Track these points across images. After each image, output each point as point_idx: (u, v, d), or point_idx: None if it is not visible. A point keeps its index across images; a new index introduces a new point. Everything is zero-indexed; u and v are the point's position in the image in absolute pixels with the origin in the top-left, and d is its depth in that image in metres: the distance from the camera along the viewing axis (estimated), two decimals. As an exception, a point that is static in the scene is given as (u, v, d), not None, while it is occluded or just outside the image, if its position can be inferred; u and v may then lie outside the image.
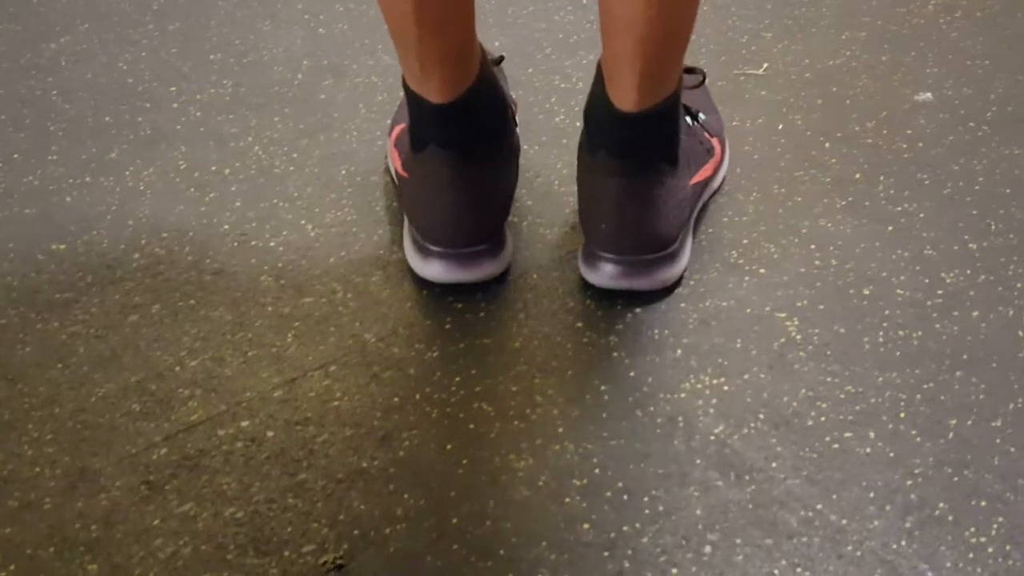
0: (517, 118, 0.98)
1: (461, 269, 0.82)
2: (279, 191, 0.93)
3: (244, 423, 0.74)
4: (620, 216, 0.81)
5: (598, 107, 0.82)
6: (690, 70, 0.96)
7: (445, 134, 0.81)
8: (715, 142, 0.91)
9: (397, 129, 0.91)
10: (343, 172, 0.95)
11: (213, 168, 0.96)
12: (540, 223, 0.90)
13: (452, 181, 0.81)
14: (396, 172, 0.88)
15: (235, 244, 0.88)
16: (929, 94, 1.03)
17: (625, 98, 0.80)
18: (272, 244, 0.88)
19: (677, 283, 0.84)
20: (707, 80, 1.05)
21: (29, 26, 1.14)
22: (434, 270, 0.82)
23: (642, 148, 0.81)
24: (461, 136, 0.81)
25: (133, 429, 0.73)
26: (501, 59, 0.93)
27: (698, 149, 0.88)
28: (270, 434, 0.73)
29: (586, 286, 0.84)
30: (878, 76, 1.05)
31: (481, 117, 0.82)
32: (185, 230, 0.89)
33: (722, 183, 0.93)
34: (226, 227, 0.90)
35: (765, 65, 1.07)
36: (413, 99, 0.82)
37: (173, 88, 1.05)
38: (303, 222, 0.90)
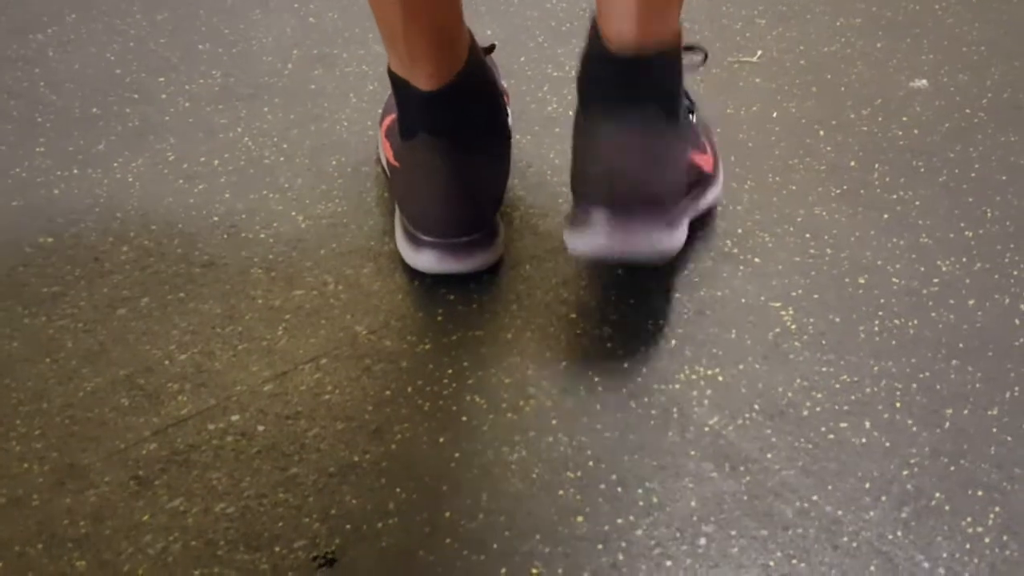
0: (509, 108, 0.97)
1: (453, 259, 0.81)
2: (269, 182, 0.92)
3: (234, 417, 0.73)
4: (615, 166, 0.74)
5: (594, 58, 0.77)
6: (690, 47, 0.95)
7: (434, 121, 0.80)
8: (710, 151, 0.88)
9: (388, 119, 0.90)
10: (333, 162, 0.94)
11: (202, 159, 0.95)
12: (533, 213, 0.89)
13: (443, 169, 0.80)
14: (387, 162, 0.87)
15: (225, 236, 0.87)
16: (924, 81, 1.02)
17: (623, 32, 0.75)
18: (262, 236, 0.87)
19: (671, 269, 0.83)
20: (702, 67, 1.04)
21: (15, 17, 1.13)
22: (426, 260, 0.82)
23: (640, 96, 0.75)
24: (451, 123, 0.80)
25: (122, 424, 0.72)
26: (492, 48, 0.92)
27: (697, 134, 0.86)
28: (260, 428, 0.72)
29: (579, 276, 0.83)
30: (873, 63, 1.04)
31: (471, 104, 0.81)
32: (174, 222, 0.88)
33: (716, 202, 0.89)
34: (216, 219, 0.89)
35: (759, 52, 1.07)
36: (401, 86, 0.81)
37: (162, 79, 1.04)
38: (293, 213, 0.89)
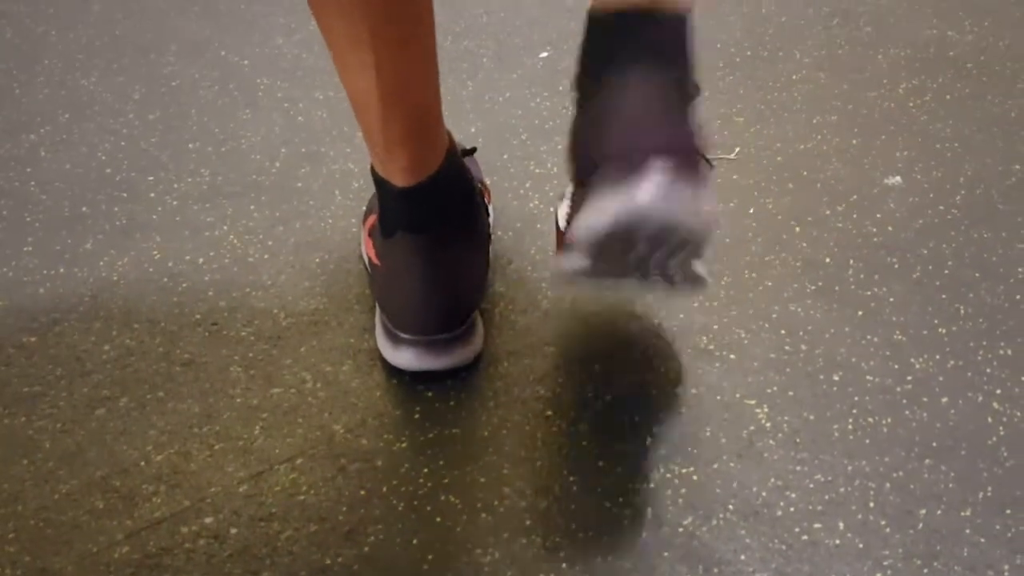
0: (491, 206, 0.99)
1: (432, 356, 0.82)
2: (252, 280, 0.94)
3: (208, 519, 0.73)
4: (647, 121, 0.65)
5: (600, 19, 0.71)
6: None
7: (412, 218, 0.81)
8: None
9: (371, 218, 0.91)
10: (317, 260, 0.96)
11: (187, 258, 0.96)
12: (512, 309, 0.91)
13: (420, 266, 0.81)
14: (369, 260, 0.89)
15: (206, 334, 0.88)
16: (899, 178, 1.04)
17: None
18: (243, 333, 0.88)
19: (647, 365, 0.84)
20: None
21: (10, 116, 1.15)
22: (405, 358, 0.82)
23: (656, 56, 0.68)
24: (429, 220, 0.81)
25: (95, 527, 0.72)
26: (473, 150, 0.94)
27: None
28: (233, 531, 0.72)
29: (556, 373, 0.84)
30: (848, 160, 1.07)
31: (449, 200, 0.83)
32: (157, 320, 0.89)
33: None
34: (198, 316, 0.90)
35: (737, 149, 1.09)
36: (380, 184, 0.82)
37: (151, 177, 1.06)
38: (275, 311, 0.91)
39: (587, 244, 0.65)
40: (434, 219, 0.82)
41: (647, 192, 0.61)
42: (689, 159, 0.64)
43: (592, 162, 0.66)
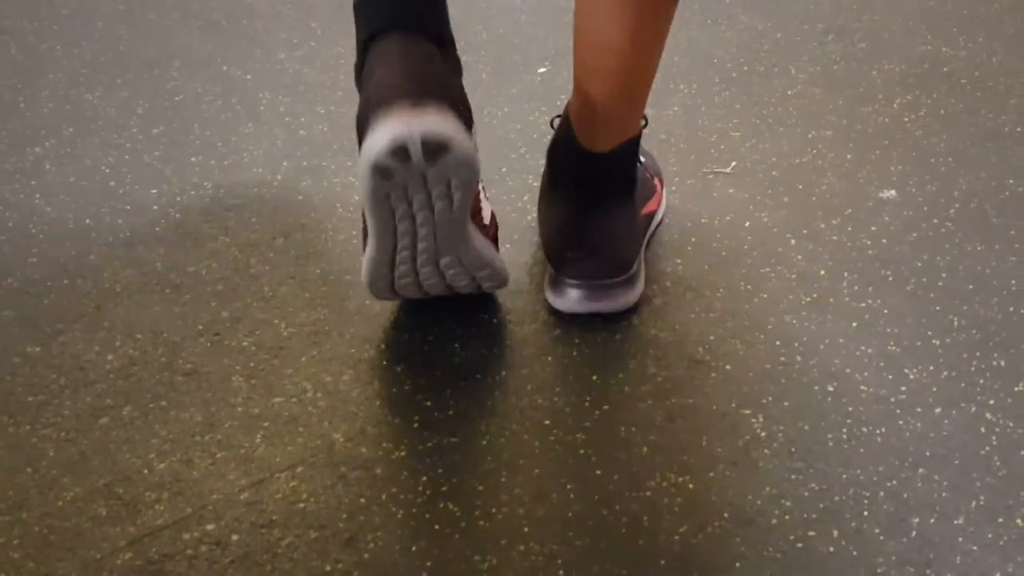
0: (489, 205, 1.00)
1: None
2: (254, 291, 0.95)
3: (209, 526, 0.74)
4: (585, 244, 0.90)
5: (566, 148, 0.92)
6: None
7: (395, 15, 0.80)
8: (655, 181, 1.01)
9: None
10: (318, 271, 0.97)
11: (190, 269, 0.97)
12: (510, 320, 0.92)
13: (400, 52, 0.79)
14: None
15: (208, 344, 0.89)
16: (893, 191, 1.05)
17: (596, 140, 0.90)
18: (245, 343, 0.89)
19: (644, 376, 0.85)
20: (677, 177, 1.08)
21: (15, 130, 1.17)
22: (387, 131, 0.81)
23: (604, 183, 0.91)
24: (408, 15, 0.81)
25: (99, 534, 0.73)
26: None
27: (646, 183, 0.98)
28: (235, 537, 0.73)
29: (554, 383, 0.85)
30: (843, 174, 1.08)
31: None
32: (159, 331, 0.90)
33: (663, 218, 1.02)
34: (200, 327, 0.91)
35: (733, 163, 1.10)
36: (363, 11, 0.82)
37: (154, 190, 1.07)
38: (276, 321, 0.92)
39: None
40: (402, 14, 0.82)
41: (572, 299, 0.90)
42: (616, 273, 0.90)
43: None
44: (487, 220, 0.92)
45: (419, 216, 0.81)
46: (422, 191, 0.79)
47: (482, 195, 0.93)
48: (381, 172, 0.77)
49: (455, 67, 0.84)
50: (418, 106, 0.76)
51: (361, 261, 0.89)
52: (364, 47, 0.82)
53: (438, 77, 0.79)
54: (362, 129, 0.78)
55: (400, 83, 0.77)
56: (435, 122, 0.76)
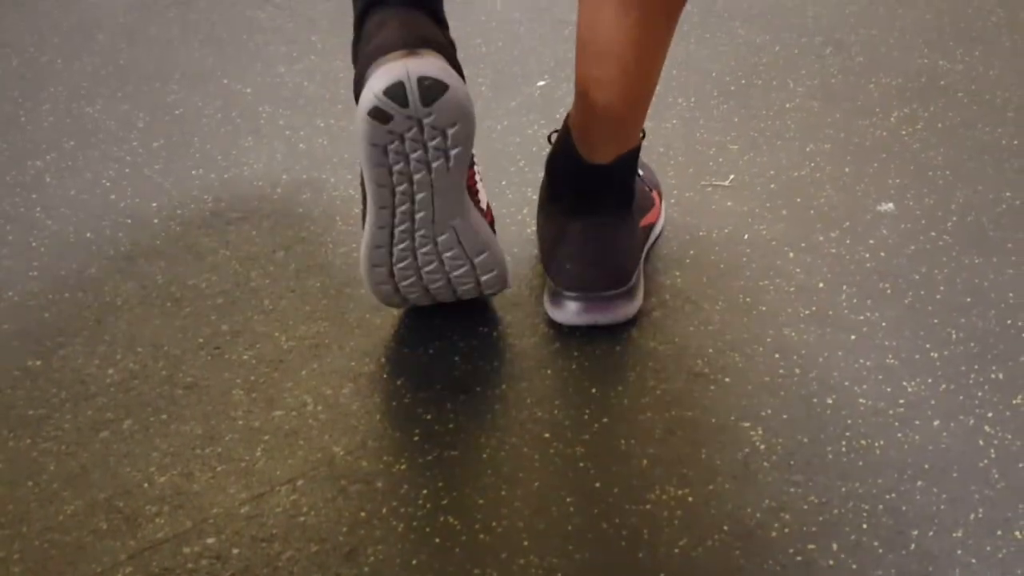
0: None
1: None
2: (254, 304, 0.95)
3: (210, 540, 0.74)
4: (585, 256, 0.90)
5: (565, 159, 0.92)
6: None
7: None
8: (654, 194, 1.01)
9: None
10: (318, 284, 0.97)
11: (190, 282, 0.98)
12: (510, 333, 0.92)
13: (396, 19, 0.80)
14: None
15: (209, 358, 0.89)
16: (891, 204, 1.06)
17: (596, 151, 0.90)
18: (245, 357, 0.89)
19: (643, 388, 0.85)
20: (676, 190, 1.08)
21: (16, 143, 1.17)
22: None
23: (604, 194, 0.91)
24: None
25: (99, 548, 0.73)
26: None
27: (645, 196, 0.99)
28: (235, 551, 0.73)
29: (553, 395, 0.85)
30: (841, 187, 1.08)
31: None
32: (160, 344, 0.91)
33: (662, 230, 1.02)
34: (200, 340, 0.91)
35: (731, 176, 1.11)
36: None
37: (155, 204, 1.08)
38: (276, 334, 0.92)
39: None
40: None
41: (571, 311, 0.90)
42: (615, 285, 0.90)
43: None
44: (484, 205, 0.92)
45: (417, 176, 0.81)
46: (419, 145, 0.79)
47: (477, 176, 0.92)
48: (379, 115, 0.77)
49: (448, 40, 0.84)
50: (413, 52, 0.77)
51: (360, 250, 0.88)
52: (360, 20, 0.82)
53: (432, 35, 0.79)
54: (359, 85, 0.79)
55: (395, 36, 0.78)
56: (432, 64, 0.77)
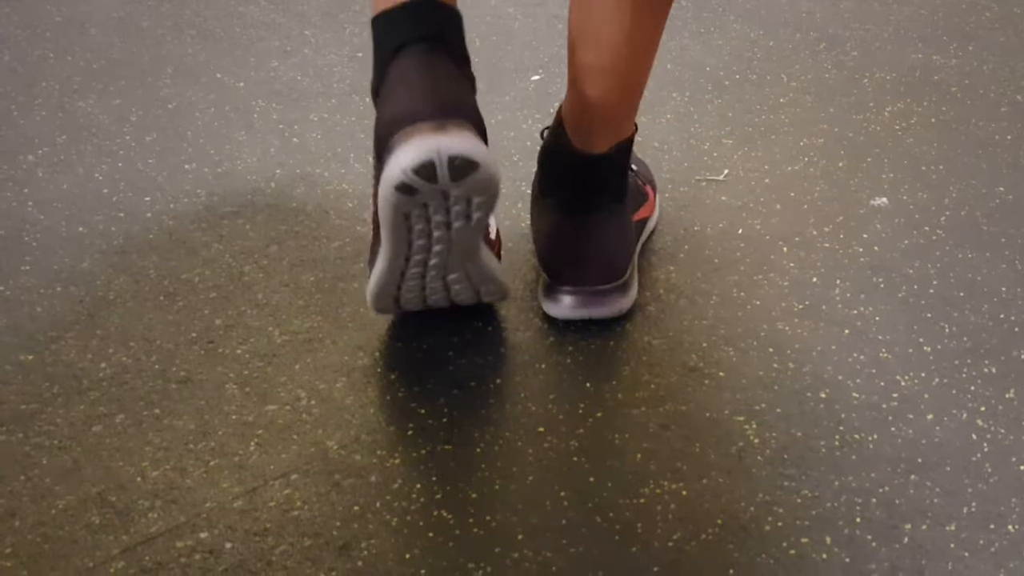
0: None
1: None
2: (247, 298, 0.95)
3: (203, 534, 0.74)
4: (579, 250, 0.90)
5: (558, 151, 0.92)
6: None
7: (418, 29, 0.80)
8: (648, 188, 1.01)
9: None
10: (311, 279, 0.97)
11: (183, 276, 0.97)
12: (504, 327, 0.92)
13: (422, 69, 0.79)
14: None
15: (202, 352, 0.89)
16: (885, 199, 1.06)
17: (589, 141, 0.90)
18: (239, 351, 0.89)
19: (637, 383, 0.85)
20: (670, 184, 1.08)
21: (7, 138, 1.17)
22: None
23: (597, 187, 0.91)
24: (430, 30, 0.80)
25: (92, 542, 0.73)
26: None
27: (638, 190, 0.99)
28: (228, 545, 0.73)
29: (548, 390, 0.85)
30: (835, 182, 1.08)
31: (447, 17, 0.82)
32: (153, 339, 0.90)
33: (656, 225, 1.02)
34: (194, 335, 0.91)
35: (725, 171, 1.11)
36: (382, 23, 0.81)
37: (148, 198, 1.07)
38: (270, 329, 0.92)
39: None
40: (434, 29, 0.81)
41: (566, 306, 0.90)
42: (609, 279, 0.90)
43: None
44: (493, 235, 0.92)
45: (436, 233, 0.80)
46: (443, 210, 0.78)
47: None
48: (406, 190, 0.76)
49: (471, 85, 0.83)
50: (443, 127, 0.76)
51: (368, 275, 0.88)
52: (383, 62, 0.81)
53: (460, 98, 0.78)
54: (383, 147, 0.78)
55: (424, 102, 0.77)
56: (463, 142, 0.76)
